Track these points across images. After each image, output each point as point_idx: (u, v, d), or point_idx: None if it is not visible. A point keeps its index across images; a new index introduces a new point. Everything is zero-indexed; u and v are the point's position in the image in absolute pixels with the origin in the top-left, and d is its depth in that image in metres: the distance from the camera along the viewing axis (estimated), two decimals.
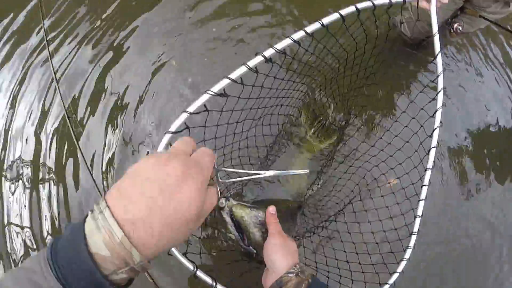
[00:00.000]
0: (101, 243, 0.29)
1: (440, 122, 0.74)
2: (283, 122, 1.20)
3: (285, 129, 1.31)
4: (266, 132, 1.00)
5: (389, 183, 0.84)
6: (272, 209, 0.72)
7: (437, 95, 0.73)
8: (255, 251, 0.72)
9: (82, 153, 1.29)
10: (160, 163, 0.33)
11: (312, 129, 1.33)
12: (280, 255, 0.64)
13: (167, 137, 0.55)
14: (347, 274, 0.86)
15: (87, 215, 0.32)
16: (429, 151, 0.76)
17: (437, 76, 0.71)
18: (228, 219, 0.73)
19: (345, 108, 1.30)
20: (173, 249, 0.55)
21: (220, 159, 0.89)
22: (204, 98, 0.56)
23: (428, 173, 0.75)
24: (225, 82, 0.56)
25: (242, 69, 0.57)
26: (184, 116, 0.55)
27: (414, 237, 0.75)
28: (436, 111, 0.74)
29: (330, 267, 0.90)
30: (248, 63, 0.56)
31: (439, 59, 0.70)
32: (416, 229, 0.75)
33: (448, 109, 1.52)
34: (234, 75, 0.56)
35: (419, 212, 0.75)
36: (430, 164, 0.75)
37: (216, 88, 0.56)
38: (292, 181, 1.33)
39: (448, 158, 1.44)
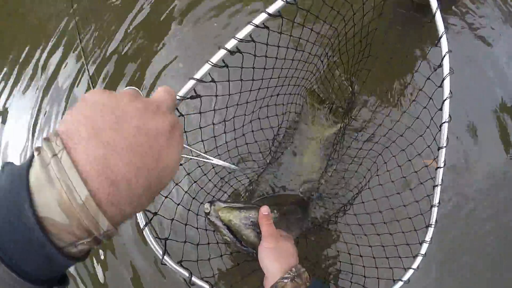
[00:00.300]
0: (54, 205, 0.21)
1: (450, 92, 0.63)
2: (287, 110, 1.13)
3: (291, 117, 1.22)
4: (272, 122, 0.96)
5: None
6: (264, 209, 0.66)
7: (442, 60, 0.62)
8: (254, 251, 0.68)
9: None
10: (149, 111, 0.27)
11: (319, 113, 1.25)
12: (272, 259, 0.61)
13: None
14: (360, 270, 0.80)
15: (32, 157, 0.23)
16: (440, 125, 0.65)
17: (440, 37, 0.60)
18: (219, 223, 0.68)
19: (349, 86, 1.19)
20: (166, 258, 0.53)
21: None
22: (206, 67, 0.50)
23: (442, 152, 0.64)
24: (222, 52, 0.50)
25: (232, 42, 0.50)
26: (192, 82, 0.50)
27: (431, 230, 0.65)
28: (443, 79, 0.63)
29: (342, 263, 0.83)
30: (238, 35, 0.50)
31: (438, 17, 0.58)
32: (433, 220, 0.65)
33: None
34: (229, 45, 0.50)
35: (436, 200, 0.65)
36: (443, 142, 0.64)
37: (215, 58, 0.50)
38: (306, 163, 1.26)
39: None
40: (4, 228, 0.21)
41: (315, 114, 1.27)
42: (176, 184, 0.71)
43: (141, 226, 0.53)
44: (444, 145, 0.64)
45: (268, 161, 1.16)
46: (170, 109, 0.31)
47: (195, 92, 0.52)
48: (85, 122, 0.23)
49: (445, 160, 0.64)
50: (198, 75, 0.50)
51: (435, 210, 0.65)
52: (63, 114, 1.80)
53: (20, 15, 1.68)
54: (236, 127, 0.84)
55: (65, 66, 1.46)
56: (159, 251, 0.53)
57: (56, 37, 1.52)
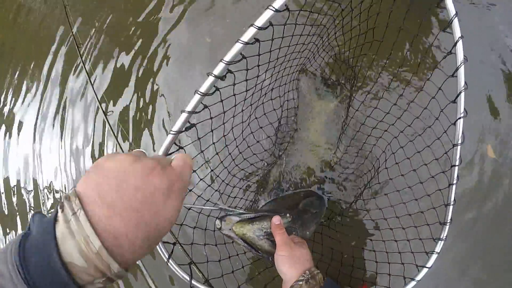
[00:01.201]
0: (75, 252, 0.27)
1: (465, 83, 0.57)
2: (285, 99, 1.08)
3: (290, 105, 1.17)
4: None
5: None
6: (276, 219, 0.69)
7: (455, 46, 0.55)
8: (270, 258, 0.71)
9: None
10: (147, 172, 0.32)
11: (315, 89, 1.19)
12: (288, 266, 0.65)
13: (169, 138, 0.51)
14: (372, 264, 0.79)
15: (57, 212, 0.29)
16: (455, 122, 0.59)
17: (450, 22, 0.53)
18: (233, 235, 0.70)
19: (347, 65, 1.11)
20: (171, 261, 0.57)
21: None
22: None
23: (457, 150, 0.60)
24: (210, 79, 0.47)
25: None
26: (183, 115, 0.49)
27: (446, 228, 0.63)
28: (457, 68, 0.56)
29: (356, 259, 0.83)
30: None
31: None
32: (448, 218, 0.63)
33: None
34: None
35: (451, 198, 0.62)
36: (458, 138, 0.60)
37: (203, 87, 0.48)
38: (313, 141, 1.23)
39: None
40: (37, 271, 0.26)
41: (311, 91, 1.22)
42: (189, 209, 0.72)
43: (165, 260, 0.56)
44: (459, 142, 0.59)
45: (275, 155, 1.14)
46: (169, 162, 0.37)
47: (189, 123, 0.51)
48: (94, 187, 0.30)
49: (460, 158, 0.60)
50: (189, 107, 0.48)
51: (450, 209, 0.63)
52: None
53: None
54: (236, 134, 0.82)
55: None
56: (186, 278, 0.57)
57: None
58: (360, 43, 0.90)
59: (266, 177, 1.16)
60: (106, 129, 1.58)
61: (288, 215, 0.74)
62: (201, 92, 0.46)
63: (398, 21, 0.78)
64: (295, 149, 1.22)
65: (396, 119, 0.86)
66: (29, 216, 2.22)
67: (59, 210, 0.29)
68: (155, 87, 1.51)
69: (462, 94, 0.58)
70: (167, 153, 0.50)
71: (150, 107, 1.51)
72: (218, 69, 0.46)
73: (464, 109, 0.58)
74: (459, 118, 0.58)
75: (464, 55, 0.56)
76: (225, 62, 0.45)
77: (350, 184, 1.09)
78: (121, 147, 1.19)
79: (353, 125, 1.12)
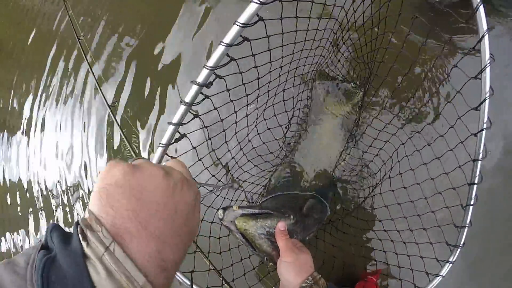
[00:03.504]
0: None
1: (490, 88, 0.50)
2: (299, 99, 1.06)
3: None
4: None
5: None
6: (281, 225, 0.68)
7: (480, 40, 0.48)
8: (265, 259, 0.71)
9: None
10: (180, 187, 0.31)
11: (330, 91, 1.14)
12: (294, 274, 0.63)
13: (160, 150, 0.49)
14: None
15: (80, 243, 0.25)
16: (476, 134, 0.53)
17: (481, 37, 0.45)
18: (233, 228, 0.69)
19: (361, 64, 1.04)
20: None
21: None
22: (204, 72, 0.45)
23: (478, 165, 0.53)
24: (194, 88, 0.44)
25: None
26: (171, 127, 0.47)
27: (465, 231, 0.58)
28: (481, 70, 0.49)
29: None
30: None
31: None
32: (467, 222, 0.57)
33: None
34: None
35: (467, 220, 0.56)
36: (480, 152, 0.53)
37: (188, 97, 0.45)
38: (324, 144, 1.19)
39: None
40: None
41: (326, 93, 1.17)
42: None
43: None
44: (481, 156, 0.53)
45: (284, 153, 1.12)
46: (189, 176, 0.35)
47: (180, 133, 0.50)
48: (130, 216, 0.26)
49: (481, 174, 0.53)
50: (175, 119, 0.46)
51: (469, 210, 0.57)
52: None
53: None
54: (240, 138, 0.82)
55: None
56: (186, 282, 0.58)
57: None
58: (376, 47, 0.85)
59: (273, 173, 1.14)
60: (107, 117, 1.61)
61: (292, 216, 0.73)
62: (186, 102, 0.44)
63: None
64: (302, 149, 1.19)
65: (403, 124, 0.79)
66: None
67: (83, 243, 0.25)
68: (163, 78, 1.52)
69: (487, 102, 0.51)
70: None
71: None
72: (202, 75, 0.43)
73: (488, 118, 0.51)
74: (482, 130, 0.51)
75: (490, 54, 0.48)
76: (209, 68, 0.42)
77: (355, 186, 1.05)
78: (127, 140, 1.18)
79: (362, 129, 1.09)
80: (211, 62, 0.42)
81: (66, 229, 0.27)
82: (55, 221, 2.19)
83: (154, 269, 0.26)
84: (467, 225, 0.57)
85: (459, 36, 0.96)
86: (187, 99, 0.44)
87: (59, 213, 2.15)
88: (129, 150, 1.49)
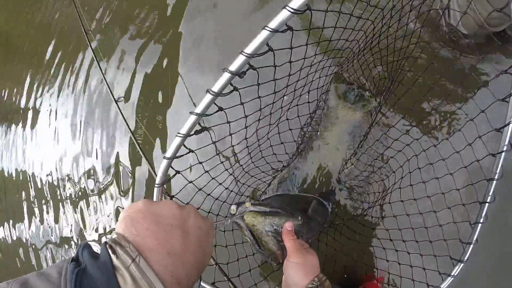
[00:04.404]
0: None
1: None
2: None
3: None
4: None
5: None
6: (288, 225, 0.69)
7: None
8: (268, 258, 0.71)
9: None
10: (191, 217, 0.37)
11: (346, 97, 1.14)
12: (302, 275, 0.63)
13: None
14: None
15: (109, 256, 0.30)
16: (495, 154, 0.53)
17: None
18: (242, 224, 0.70)
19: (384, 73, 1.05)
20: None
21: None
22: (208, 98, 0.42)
23: (492, 184, 0.54)
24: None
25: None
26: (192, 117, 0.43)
27: (470, 247, 0.59)
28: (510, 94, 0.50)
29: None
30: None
31: None
32: (474, 239, 0.58)
33: None
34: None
35: (473, 238, 0.57)
36: (496, 172, 0.54)
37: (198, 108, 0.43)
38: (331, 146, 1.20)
39: None
40: None
41: (341, 96, 1.17)
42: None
43: None
44: (496, 176, 0.54)
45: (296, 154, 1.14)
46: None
47: (185, 147, 0.49)
48: (150, 235, 0.33)
49: (494, 194, 0.54)
50: (183, 130, 0.44)
51: (469, 247, 0.58)
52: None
53: None
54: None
55: None
56: None
57: None
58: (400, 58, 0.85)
59: (281, 171, 1.16)
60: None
61: (299, 217, 0.74)
62: (214, 92, 0.39)
63: None
64: (312, 151, 1.19)
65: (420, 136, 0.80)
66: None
67: (113, 257, 0.30)
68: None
69: (511, 126, 0.51)
70: (175, 156, 0.47)
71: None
72: (237, 63, 0.38)
73: (510, 142, 0.52)
74: (502, 152, 0.52)
75: None
76: (246, 55, 0.37)
77: (360, 191, 1.06)
78: (133, 135, 1.20)
79: (374, 137, 1.09)
80: (249, 49, 0.37)
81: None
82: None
83: (170, 279, 0.31)
84: (473, 242, 0.59)
85: (491, 55, 0.96)
86: (215, 88, 0.40)
87: (62, 202, 2.21)
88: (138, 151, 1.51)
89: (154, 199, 0.51)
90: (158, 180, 0.49)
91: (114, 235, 0.34)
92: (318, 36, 0.67)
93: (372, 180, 1.08)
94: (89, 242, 0.33)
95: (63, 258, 1.92)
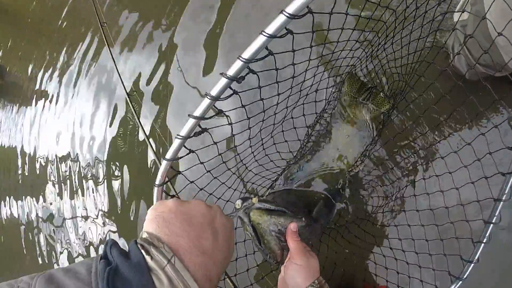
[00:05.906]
0: None
1: None
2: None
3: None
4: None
5: None
6: (293, 226, 0.69)
7: None
8: (267, 256, 0.71)
9: None
10: (218, 216, 0.39)
11: (359, 97, 1.11)
12: (304, 277, 0.64)
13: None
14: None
15: (143, 256, 0.30)
16: (505, 174, 0.51)
17: None
18: (246, 220, 0.70)
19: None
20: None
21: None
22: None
23: (499, 205, 0.52)
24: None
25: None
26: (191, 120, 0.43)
27: (470, 266, 0.57)
28: None
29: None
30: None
31: None
32: (475, 258, 0.56)
33: None
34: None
35: (475, 257, 0.55)
36: (504, 193, 0.52)
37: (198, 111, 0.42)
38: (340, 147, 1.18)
39: None
40: None
41: (353, 97, 1.14)
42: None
43: None
44: (504, 198, 0.52)
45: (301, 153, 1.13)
46: None
47: (186, 148, 0.48)
48: (183, 235, 0.34)
49: (500, 215, 0.52)
50: (183, 132, 0.43)
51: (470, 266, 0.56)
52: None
53: None
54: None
55: None
56: None
57: None
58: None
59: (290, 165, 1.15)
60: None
61: (303, 219, 0.74)
62: (211, 96, 0.38)
63: None
64: (319, 147, 1.17)
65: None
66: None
67: (148, 258, 0.30)
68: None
69: None
70: (175, 157, 0.46)
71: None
72: (234, 68, 0.37)
73: None
74: (510, 173, 0.50)
75: None
76: (244, 60, 0.35)
77: (367, 193, 1.04)
78: (142, 128, 1.20)
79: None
80: (247, 54, 0.35)
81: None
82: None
83: (202, 278, 0.32)
84: (474, 261, 0.57)
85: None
86: (213, 93, 0.39)
87: (68, 182, 2.25)
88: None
89: (154, 199, 0.51)
90: (157, 181, 0.49)
91: (145, 235, 0.33)
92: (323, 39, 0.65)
93: (378, 185, 1.06)
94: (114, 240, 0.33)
95: (64, 239, 1.97)
